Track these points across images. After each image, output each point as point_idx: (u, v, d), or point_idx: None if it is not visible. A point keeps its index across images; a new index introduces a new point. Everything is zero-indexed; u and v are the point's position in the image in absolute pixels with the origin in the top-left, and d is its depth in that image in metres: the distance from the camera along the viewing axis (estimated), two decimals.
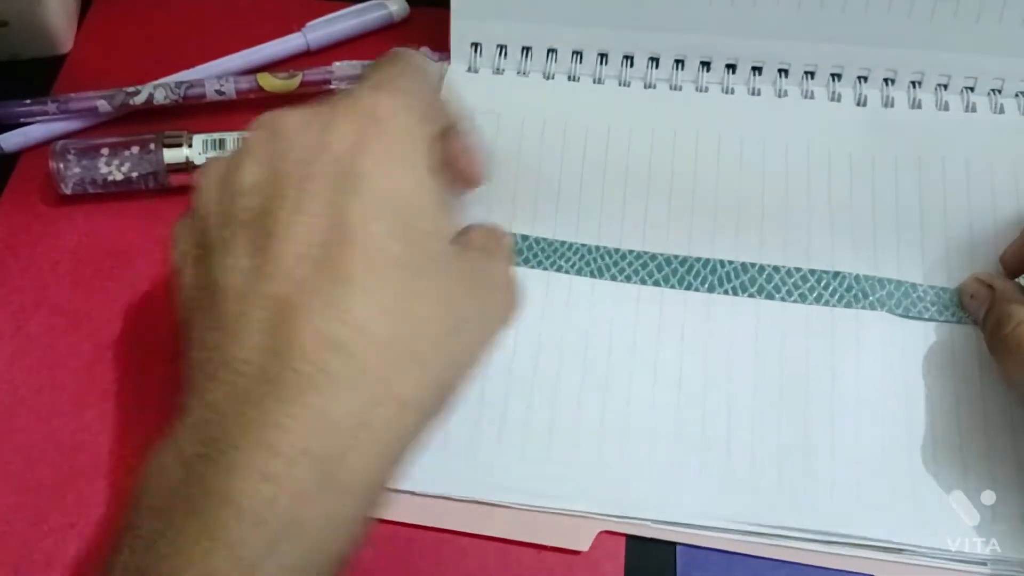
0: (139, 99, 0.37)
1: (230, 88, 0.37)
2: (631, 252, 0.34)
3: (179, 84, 0.37)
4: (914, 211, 0.34)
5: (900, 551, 0.29)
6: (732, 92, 0.37)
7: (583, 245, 0.34)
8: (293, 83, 0.37)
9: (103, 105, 0.37)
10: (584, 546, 0.29)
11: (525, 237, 0.34)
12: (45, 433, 0.31)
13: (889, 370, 0.32)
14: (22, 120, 0.37)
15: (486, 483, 0.29)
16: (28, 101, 0.37)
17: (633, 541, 0.29)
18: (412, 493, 0.29)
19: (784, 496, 0.29)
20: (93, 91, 0.37)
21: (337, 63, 0.38)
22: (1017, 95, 0.37)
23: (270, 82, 0.37)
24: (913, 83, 0.37)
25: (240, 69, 0.39)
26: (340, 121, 0.24)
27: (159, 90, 0.37)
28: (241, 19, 0.41)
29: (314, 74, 0.38)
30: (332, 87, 0.38)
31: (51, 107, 0.37)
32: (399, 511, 0.29)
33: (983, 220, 0.34)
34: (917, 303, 0.33)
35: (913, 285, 0.33)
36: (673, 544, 0.29)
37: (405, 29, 0.41)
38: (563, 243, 0.34)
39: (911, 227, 0.34)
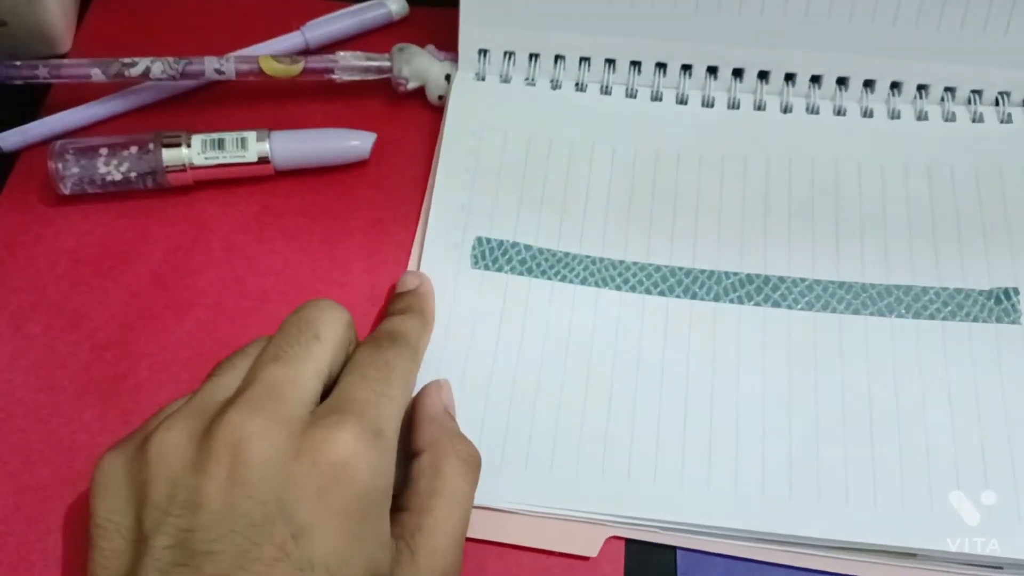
0: (135, 71, 0.37)
1: (230, 68, 0.37)
2: (635, 264, 0.34)
3: (177, 60, 0.37)
4: (926, 218, 0.35)
5: (913, 556, 0.29)
6: (737, 107, 0.38)
7: (587, 256, 0.34)
8: (295, 68, 0.38)
9: (96, 73, 0.37)
10: (593, 552, 0.30)
11: (528, 247, 0.35)
12: (44, 433, 0.32)
13: (900, 374, 0.32)
14: (11, 82, 0.37)
15: (493, 490, 0.30)
16: (18, 63, 0.37)
17: (633, 545, 0.30)
18: None
19: (794, 503, 0.30)
20: (87, 58, 0.37)
21: (341, 53, 0.39)
22: None
23: (271, 65, 0.38)
24: (919, 91, 0.38)
25: None
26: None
27: (157, 64, 0.37)
28: (240, 19, 0.42)
29: (317, 61, 0.38)
30: (334, 77, 0.38)
31: (42, 71, 0.37)
32: None
33: (995, 224, 0.35)
34: (929, 305, 0.33)
35: (924, 289, 0.34)
36: (673, 548, 0.30)
37: (405, 28, 0.42)
38: (567, 254, 0.34)
39: (923, 235, 0.35)
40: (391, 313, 0.32)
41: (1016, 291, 0.34)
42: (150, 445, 0.24)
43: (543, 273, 0.34)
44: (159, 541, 0.23)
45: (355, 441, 0.24)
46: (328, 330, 0.27)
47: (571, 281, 0.34)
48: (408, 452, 0.29)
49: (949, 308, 0.33)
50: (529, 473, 0.31)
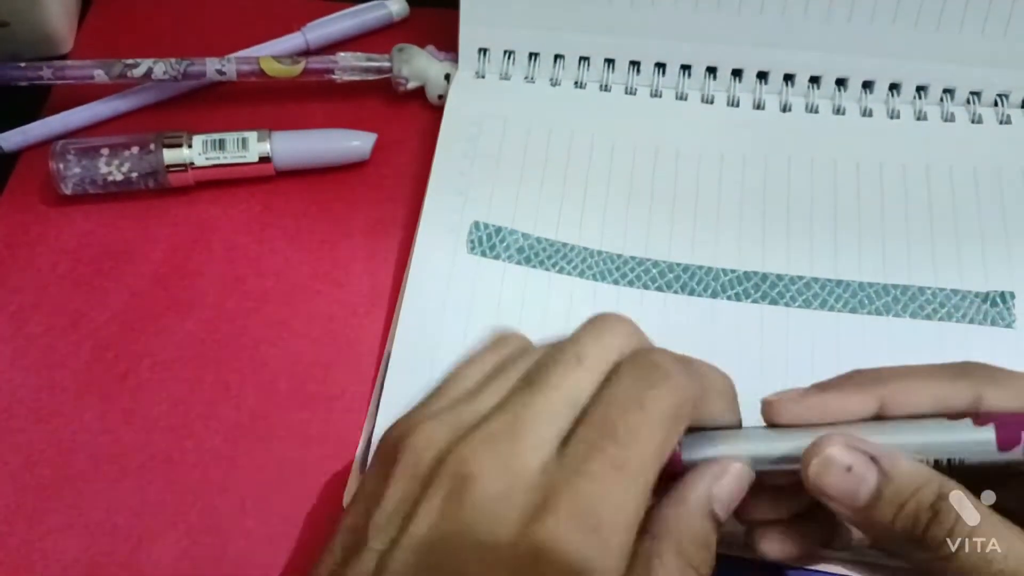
0: (138, 72, 0.37)
1: (231, 69, 0.38)
2: (633, 258, 0.34)
3: (179, 61, 0.38)
4: (924, 218, 0.35)
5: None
6: (737, 106, 0.38)
7: (585, 248, 0.34)
8: (296, 69, 0.38)
9: (100, 74, 0.37)
10: None
11: (527, 235, 0.34)
12: (44, 433, 0.32)
13: None
14: (15, 83, 0.37)
15: None
16: (23, 64, 0.37)
17: None
18: None
19: None
20: (90, 60, 0.38)
21: (341, 53, 0.39)
22: None
23: (272, 66, 0.38)
24: (918, 92, 0.38)
25: None
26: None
27: (159, 65, 0.37)
28: (241, 19, 0.42)
29: (317, 62, 0.39)
30: (335, 77, 0.38)
31: (46, 72, 0.37)
32: None
33: (994, 226, 0.35)
34: (926, 306, 0.33)
35: (921, 289, 0.34)
36: None
37: (405, 29, 0.42)
38: (565, 244, 0.34)
39: (921, 235, 0.35)
40: None
41: (1012, 295, 0.34)
42: (402, 447, 0.23)
43: (541, 263, 0.34)
44: (375, 543, 0.22)
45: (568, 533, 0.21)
46: (592, 356, 0.24)
47: (568, 273, 0.34)
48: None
49: (946, 309, 0.33)
50: None
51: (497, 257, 0.34)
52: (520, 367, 0.25)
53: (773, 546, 0.26)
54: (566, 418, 0.23)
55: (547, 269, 0.34)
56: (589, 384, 0.24)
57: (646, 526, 0.23)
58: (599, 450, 0.22)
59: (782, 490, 0.26)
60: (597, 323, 0.25)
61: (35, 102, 0.39)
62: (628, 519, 0.22)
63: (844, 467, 0.23)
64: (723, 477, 0.24)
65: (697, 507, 0.24)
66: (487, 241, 0.35)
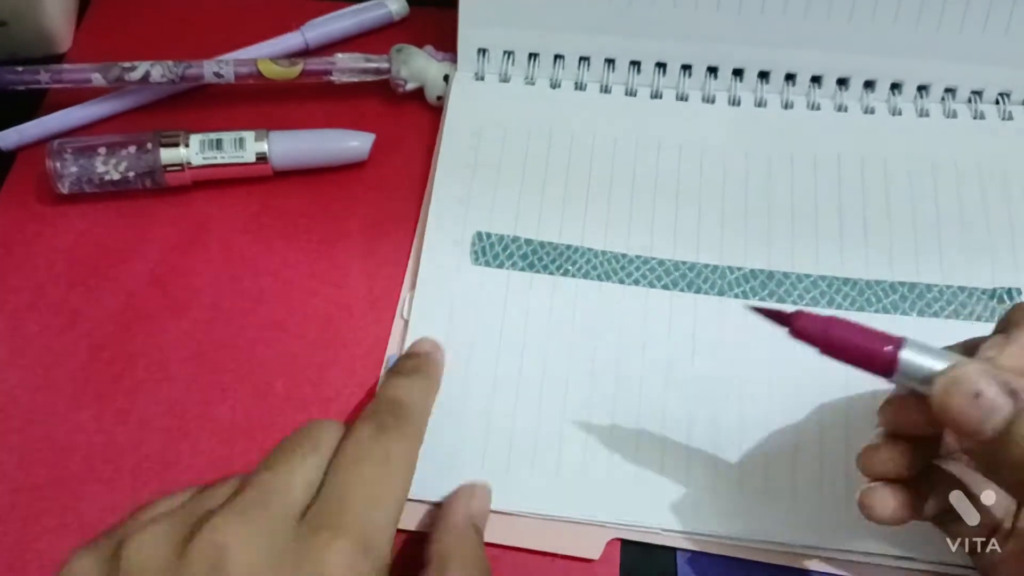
0: (135, 75, 0.37)
1: (229, 72, 0.38)
2: (639, 257, 0.34)
3: (177, 64, 0.37)
4: (930, 216, 0.35)
5: (912, 559, 0.29)
6: (738, 104, 0.38)
7: (589, 249, 0.34)
8: (294, 71, 0.38)
9: (97, 78, 0.37)
10: (595, 554, 0.30)
11: (530, 241, 0.34)
12: (40, 433, 0.32)
13: None
14: (12, 88, 0.37)
15: (497, 493, 0.30)
16: (20, 68, 0.37)
17: (630, 545, 0.30)
18: (422, 501, 0.30)
19: (797, 512, 0.30)
20: (88, 63, 0.37)
21: (340, 54, 0.39)
22: None
23: (270, 68, 0.38)
24: (919, 91, 0.38)
25: None
26: None
27: (156, 68, 0.37)
28: (240, 19, 0.42)
29: (315, 63, 0.38)
30: (333, 78, 0.38)
31: (44, 76, 0.37)
32: (410, 519, 0.30)
33: (999, 223, 0.35)
34: (933, 303, 0.33)
35: (928, 286, 0.34)
36: (673, 549, 0.30)
37: (405, 28, 0.42)
38: (569, 247, 0.34)
39: (927, 232, 0.35)
40: (398, 372, 0.30)
41: (1019, 291, 0.33)
42: (127, 549, 0.23)
43: (545, 268, 0.34)
44: None
45: (345, 565, 0.22)
46: (326, 444, 0.25)
47: (573, 275, 0.34)
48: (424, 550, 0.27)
49: (953, 307, 0.33)
50: (535, 476, 0.30)
51: (501, 266, 0.34)
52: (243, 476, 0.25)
53: (875, 502, 0.25)
54: (308, 492, 0.24)
55: (551, 273, 0.34)
56: (324, 464, 0.25)
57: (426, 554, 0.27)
58: (364, 483, 0.24)
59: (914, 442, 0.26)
60: (319, 423, 0.26)
61: (32, 101, 0.39)
62: (390, 538, 0.24)
63: (972, 392, 0.22)
64: (474, 497, 0.29)
65: (465, 526, 0.28)
66: (491, 251, 0.35)
